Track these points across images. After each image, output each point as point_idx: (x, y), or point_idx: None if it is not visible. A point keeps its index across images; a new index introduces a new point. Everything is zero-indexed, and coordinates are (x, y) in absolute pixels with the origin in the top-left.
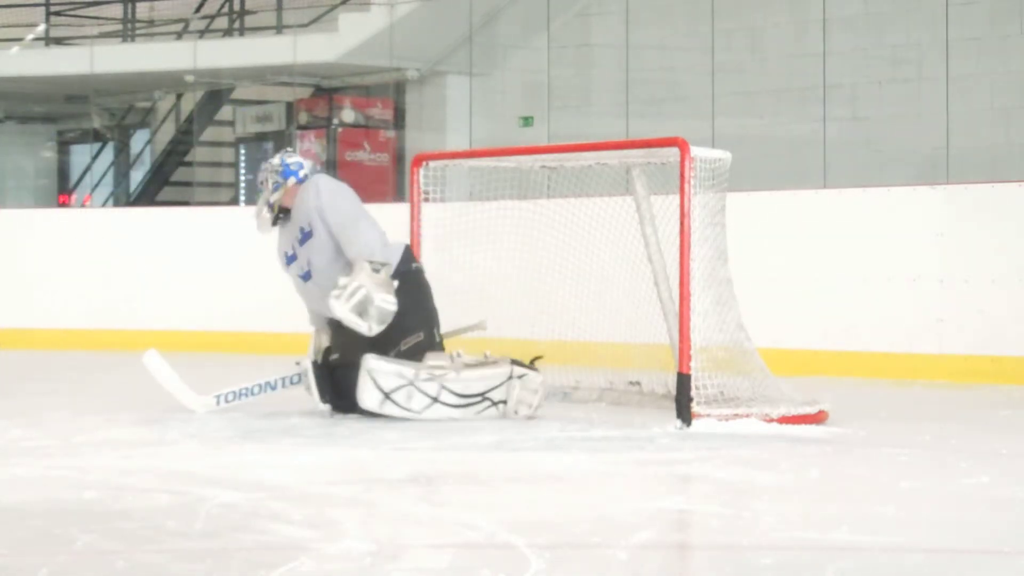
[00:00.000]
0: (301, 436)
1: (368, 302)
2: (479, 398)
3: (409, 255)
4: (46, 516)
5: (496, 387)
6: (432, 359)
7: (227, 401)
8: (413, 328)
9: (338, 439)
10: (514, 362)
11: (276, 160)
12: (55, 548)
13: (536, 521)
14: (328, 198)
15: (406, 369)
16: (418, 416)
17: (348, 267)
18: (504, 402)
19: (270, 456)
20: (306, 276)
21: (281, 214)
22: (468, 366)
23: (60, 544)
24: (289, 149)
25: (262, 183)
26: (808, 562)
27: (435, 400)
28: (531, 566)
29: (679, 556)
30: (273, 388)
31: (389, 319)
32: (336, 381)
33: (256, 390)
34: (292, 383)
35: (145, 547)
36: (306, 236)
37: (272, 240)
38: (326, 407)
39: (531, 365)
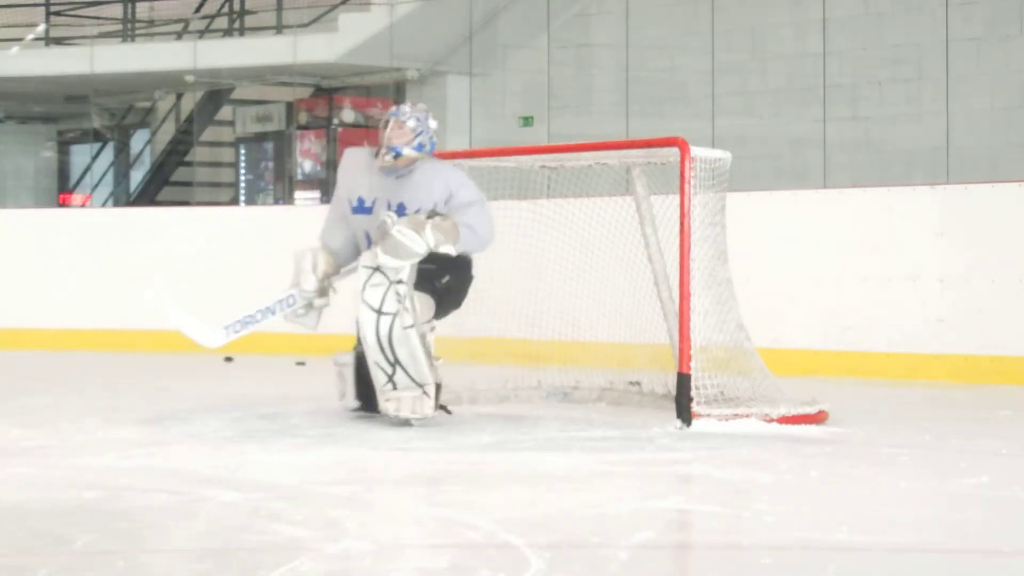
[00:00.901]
0: (301, 436)
1: (386, 231)
2: (391, 359)
3: (471, 261)
4: (46, 516)
5: (412, 376)
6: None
7: (235, 333)
8: (434, 259)
9: (338, 439)
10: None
11: (433, 125)
12: (55, 548)
13: (536, 521)
14: (457, 189)
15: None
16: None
17: None
18: (395, 386)
19: (270, 456)
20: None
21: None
22: (427, 344)
23: (60, 544)
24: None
25: (412, 125)
26: (808, 562)
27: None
28: (531, 566)
29: (679, 556)
30: (272, 313)
31: (403, 255)
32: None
33: (259, 316)
34: (289, 305)
35: (145, 547)
36: (402, 216)
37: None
38: (355, 404)
39: (443, 406)
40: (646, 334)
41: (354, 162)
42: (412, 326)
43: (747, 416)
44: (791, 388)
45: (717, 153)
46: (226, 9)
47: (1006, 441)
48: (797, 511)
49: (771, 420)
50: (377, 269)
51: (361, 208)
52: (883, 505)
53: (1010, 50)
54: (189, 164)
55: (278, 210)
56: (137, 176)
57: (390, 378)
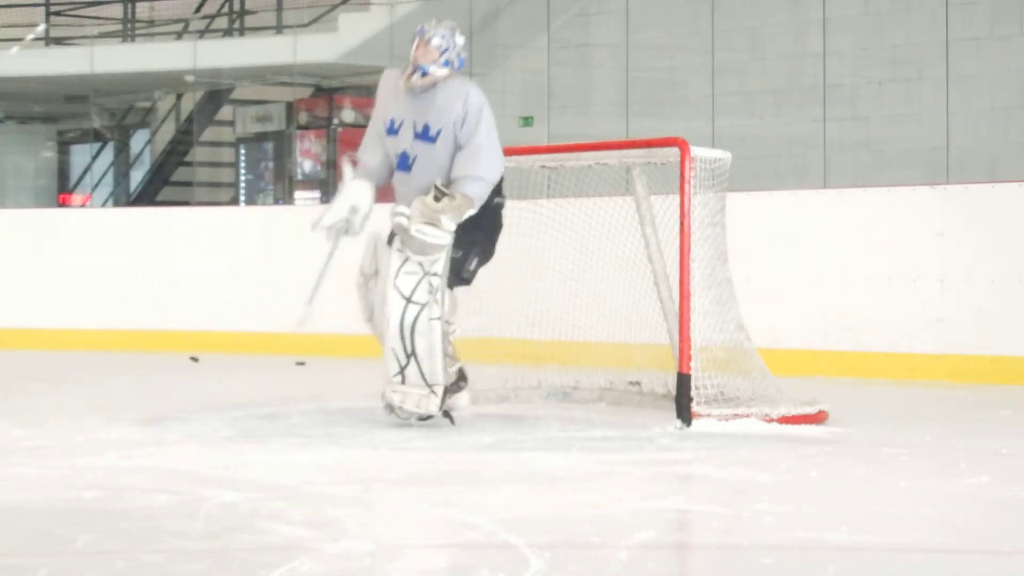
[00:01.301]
0: (301, 436)
1: (405, 230)
2: (408, 349)
3: (499, 188)
4: (46, 516)
5: (423, 374)
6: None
7: (310, 304)
8: (458, 245)
9: (338, 439)
10: (451, 397)
11: (461, 41)
12: (55, 548)
13: (536, 521)
14: (472, 117)
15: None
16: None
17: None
18: (404, 380)
19: (270, 456)
20: (404, 167)
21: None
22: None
23: (60, 544)
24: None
25: (437, 43)
26: (808, 562)
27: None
28: (531, 566)
29: (679, 556)
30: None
31: (430, 251)
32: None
33: (322, 277)
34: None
35: (145, 547)
36: (428, 138)
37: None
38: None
39: (448, 412)
40: (646, 334)
41: (389, 83)
42: (439, 318)
43: (747, 416)
44: (791, 388)
45: (717, 153)
46: (226, 9)
47: (1006, 441)
48: (797, 511)
49: (771, 420)
50: (408, 257)
51: (391, 130)
52: (883, 505)
53: (1010, 50)
54: (189, 164)
55: (278, 210)
56: (137, 176)
57: (402, 370)
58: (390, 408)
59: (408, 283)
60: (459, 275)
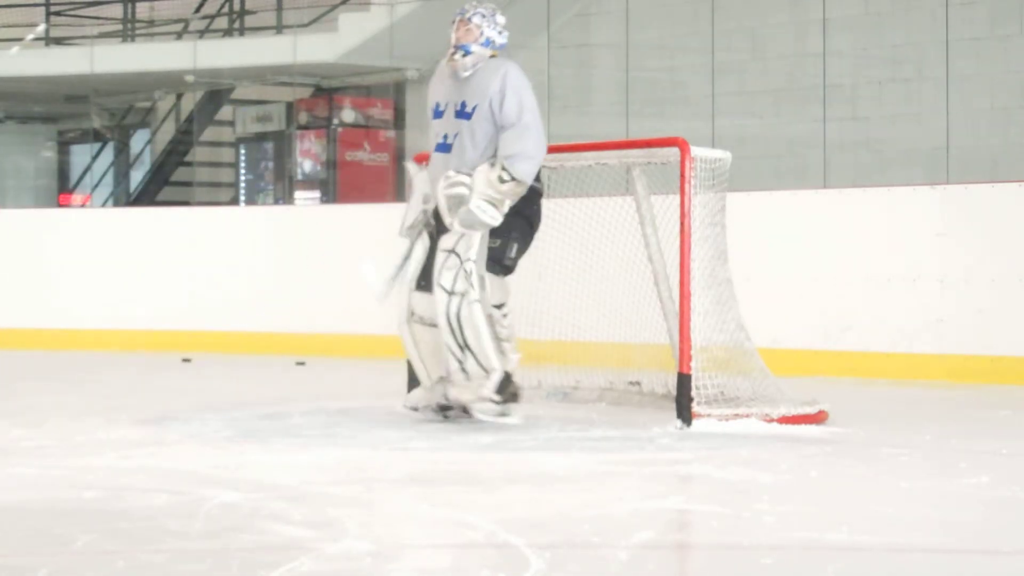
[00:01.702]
0: (301, 436)
1: (462, 201)
2: (460, 341)
3: (537, 174)
4: (46, 516)
5: (480, 362)
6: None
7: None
8: (497, 233)
9: (338, 439)
10: (511, 388)
11: (502, 21)
12: (55, 548)
13: (536, 521)
14: (512, 94)
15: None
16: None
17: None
18: (465, 371)
19: (270, 456)
20: (444, 147)
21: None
22: (497, 331)
23: (60, 544)
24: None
25: (478, 22)
26: (808, 562)
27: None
28: (531, 566)
29: (679, 556)
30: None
31: (478, 228)
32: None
33: (401, 273)
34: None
35: (145, 547)
36: (465, 115)
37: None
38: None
39: (512, 394)
40: (646, 334)
41: (438, 72)
42: (478, 300)
43: (747, 416)
44: (791, 388)
45: (717, 153)
46: (226, 9)
47: (1006, 441)
48: (797, 511)
49: (771, 420)
50: (452, 252)
51: (436, 113)
52: (883, 505)
53: (1010, 50)
54: (189, 164)
55: (278, 210)
56: (137, 176)
57: (461, 365)
58: (414, 408)
59: (448, 277)
60: (501, 263)
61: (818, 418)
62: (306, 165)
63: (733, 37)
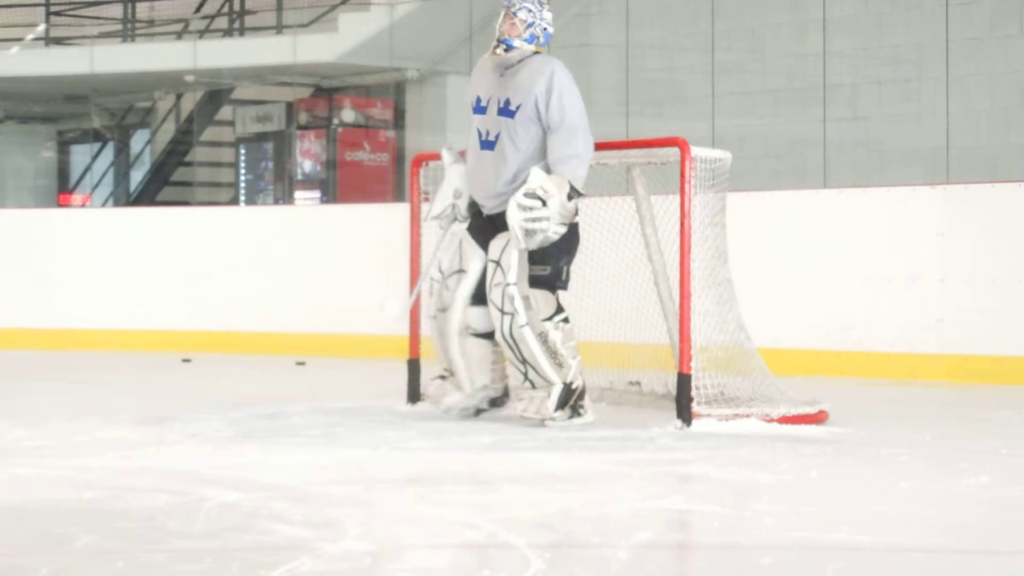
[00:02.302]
0: (301, 436)
1: (542, 231)
2: (519, 356)
3: None
4: (46, 516)
5: (540, 375)
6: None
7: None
8: (545, 258)
9: (338, 439)
10: (574, 397)
11: (549, 16)
12: (55, 548)
13: (536, 521)
14: (557, 95)
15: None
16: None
17: (539, 161)
18: (532, 385)
19: (270, 456)
20: (487, 144)
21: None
22: (551, 344)
23: (60, 544)
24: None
25: (523, 16)
26: (808, 562)
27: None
28: (531, 566)
29: (679, 556)
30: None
31: (546, 244)
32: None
33: (428, 270)
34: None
35: (145, 547)
36: (507, 112)
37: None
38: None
39: (577, 407)
40: (646, 334)
41: (480, 65)
42: (524, 325)
43: (747, 416)
44: (791, 388)
45: (717, 153)
46: (226, 9)
47: (1006, 441)
48: (797, 511)
49: (771, 420)
50: (498, 264)
51: (478, 107)
52: (883, 505)
53: (1010, 50)
54: (189, 164)
55: (278, 210)
56: (137, 176)
57: (525, 376)
58: (437, 403)
59: (497, 295)
60: (554, 286)
61: (818, 418)
62: (306, 165)
63: (733, 37)
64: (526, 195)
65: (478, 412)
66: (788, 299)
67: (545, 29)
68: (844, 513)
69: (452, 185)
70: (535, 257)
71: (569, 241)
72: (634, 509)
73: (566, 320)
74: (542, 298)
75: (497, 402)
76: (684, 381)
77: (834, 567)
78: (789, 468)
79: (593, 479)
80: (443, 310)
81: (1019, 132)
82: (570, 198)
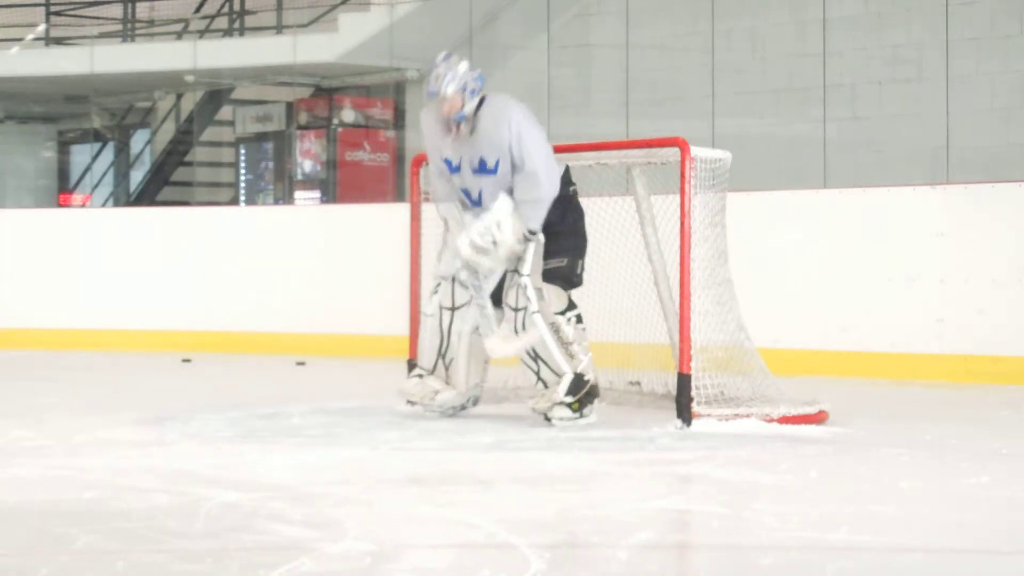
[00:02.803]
0: (301, 436)
1: (486, 270)
2: (532, 353)
3: (568, 177)
4: (46, 516)
5: (552, 369)
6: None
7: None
8: (561, 252)
9: (338, 439)
10: (585, 388)
11: (465, 66)
12: (55, 548)
13: (536, 521)
14: (517, 140)
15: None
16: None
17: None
18: (545, 385)
19: (270, 456)
20: (475, 203)
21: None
22: (563, 336)
23: (60, 544)
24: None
25: (453, 89)
26: (808, 562)
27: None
28: (531, 566)
29: (679, 556)
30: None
31: (514, 261)
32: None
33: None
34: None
35: (145, 547)
36: (486, 171)
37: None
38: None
39: (582, 398)
40: (646, 334)
41: (430, 126)
42: (536, 312)
43: (747, 416)
44: (791, 388)
45: (717, 153)
46: (226, 9)
47: (1006, 441)
48: (797, 511)
49: (771, 420)
50: (516, 271)
51: (452, 168)
52: (883, 505)
53: (1010, 50)
54: (189, 164)
55: (278, 210)
56: (137, 176)
57: (538, 375)
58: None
59: (512, 296)
60: (570, 281)
61: (818, 418)
62: (306, 165)
63: (733, 37)
64: (480, 235)
65: (462, 408)
66: (788, 299)
67: (474, 79)
68: (844, 513)
69: (494, 219)
70: (551, 251)
71: (583, 244)
72: (634, 509)
73: (579, 319)
74: (554, 293)
75: (477, 401)
76: (684, 381)
77: (834, 567)
78: (789, 468)
79: (593, 479)
80: (455, 308)
81: (1019, 132)
82: (526, 238)
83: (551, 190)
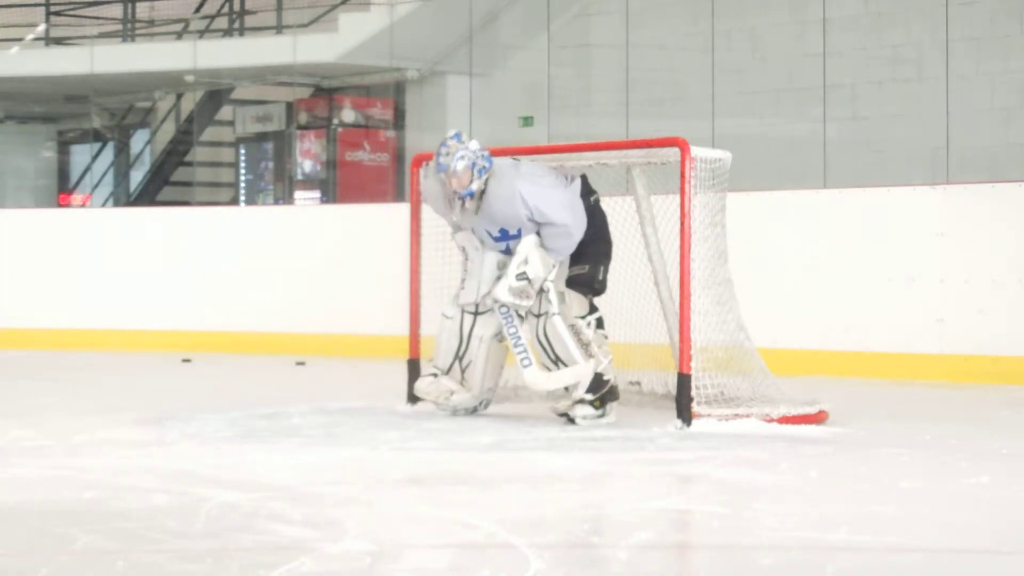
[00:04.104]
0: (301, 436)
1: (527, 304)
2: (552, 356)
3: (588, 187)
4: (46, 516)
5: (568, 366)
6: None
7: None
8: (583, 258)
9: (338, 439)
10: (606, 388)
11: (476, 145)
12: (55, 548)
13: (536, 521)
14: (535, 206)
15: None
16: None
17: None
18: (566, 389)
19: (270, 456)
20: (507, 251)
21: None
22: (582, 338)
23: (60, 544)
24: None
25: (463, 167)
26: (808, 562)
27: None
28: (531, 566)
29: (679, 556)
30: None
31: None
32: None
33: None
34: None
35: (145, 547)
36: (509, 237)
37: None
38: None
39: (602, 397)
40: (646, 334)
41: (432, 193)
42: (556, 314)
43: (747, 416)
44: (791, 388)
45: (717, 153)
46: (226, 9)
47: (1006, 441)
48: (797, 511)
49: (771, 420)
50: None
51: (473, 231)
52: (883, 505)
53: (1010, 50)
54: (189, 164)
55: (278, 210)
56: (137, 176)
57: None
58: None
59: (536, 303)
60: (592, 287)
61: (818, 418)
62: (306, 165)
63: (733, 37)
64: (516, 277)
65: (474, 410)
66: (788, 299)
67: (483, 156)
68: (844, 513)
69: (477, 279)
70: (574, 257)
71: (607, 251)
72: (634, 509)
73: (600, 323)
74: (575, 298)
75: (488, 404)
76: (684, 381)
77: (834, 567)
78: (789, 468)
79: (593, 479)
80: (477, 313)
81: (1019, 132)
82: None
83: (581, 227)
